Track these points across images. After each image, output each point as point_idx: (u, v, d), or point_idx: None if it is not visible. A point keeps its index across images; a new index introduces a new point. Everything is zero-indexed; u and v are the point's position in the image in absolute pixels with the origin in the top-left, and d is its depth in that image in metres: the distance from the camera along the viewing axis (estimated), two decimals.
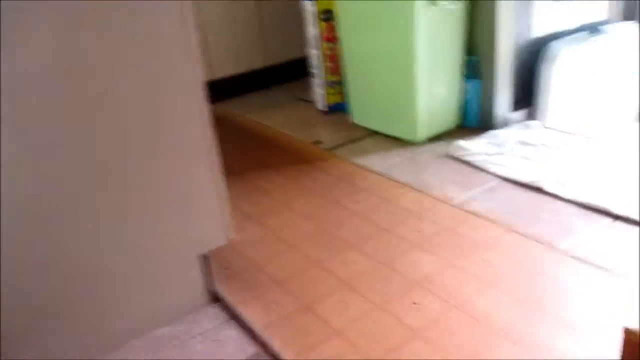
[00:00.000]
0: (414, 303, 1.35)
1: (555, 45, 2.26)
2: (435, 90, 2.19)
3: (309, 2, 2.51)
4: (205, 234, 1.44)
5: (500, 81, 2.21)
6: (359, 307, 1.37)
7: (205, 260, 1.47)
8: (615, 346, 0.87)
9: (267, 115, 2.76)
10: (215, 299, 1.49)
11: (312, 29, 2.56)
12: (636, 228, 1.54)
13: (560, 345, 1.17)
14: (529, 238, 1.55)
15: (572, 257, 1.45)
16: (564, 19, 2.39)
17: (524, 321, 1.25)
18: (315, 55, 2.61)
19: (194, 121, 1.34)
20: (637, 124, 2.52)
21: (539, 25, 2.31)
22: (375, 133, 2.39)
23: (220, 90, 2.99)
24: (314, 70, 2.67)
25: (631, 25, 2.51)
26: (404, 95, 2.19)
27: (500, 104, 2.25)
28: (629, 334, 0.82)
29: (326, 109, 2.67)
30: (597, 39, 2.37)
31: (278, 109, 2.84)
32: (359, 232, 1.68)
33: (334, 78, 2.62)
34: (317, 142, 2.39)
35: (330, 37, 2.54)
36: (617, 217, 1.59)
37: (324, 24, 2.51)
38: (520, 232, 1.58)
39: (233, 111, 2.89)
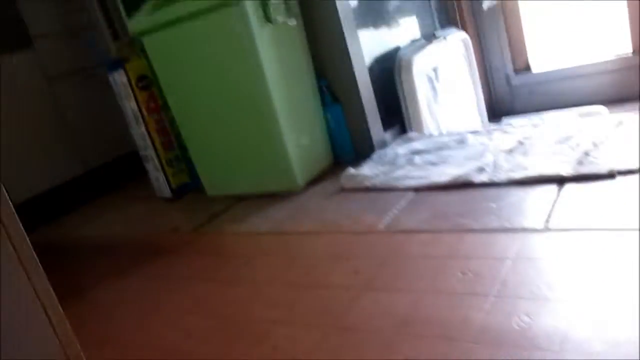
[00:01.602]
0: None
1: (405, 54, 2.09)
2: (300, 125, 1.83)
3: (116, 72, 2.05)
4: None
5: (366, 102, 1.94)
6: None
7: None
8: None
9: (103, 224, 2.15)
10: None
11: (129, 103, 2.08)
12: (590, 183, 1.28)
13: None
14: (495, 232, 1.19)
15: (561, 230, 1.12)
16: (398, 34, 2.26)
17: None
18: (140, 134, 2.12)
19: None
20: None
21: (380, 42, 2.14)
22: (241, 199, 1.92)
23: (33, 213, 2.30)
24: (144, 153, 2.16)
25: (457, 30, 2.49)
26: (268, 141, 1.78)
27: (372, 126, 1.96)
28: None
29: (173, 194, 2.15)
30: (437, 44, 2.27)
31: (114, 214, 2.24)
32: (283, 302, 1.18)
33: (172, 155, 2.14)
34: (175, 230, 1.85)
35: (154, 107, 2.08)
36: (562, 180, 1.33)
37: (142, 93, 2.06)
38: (480, 230, 1.22)
39: (59, 232, 2.22)
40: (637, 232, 1.03)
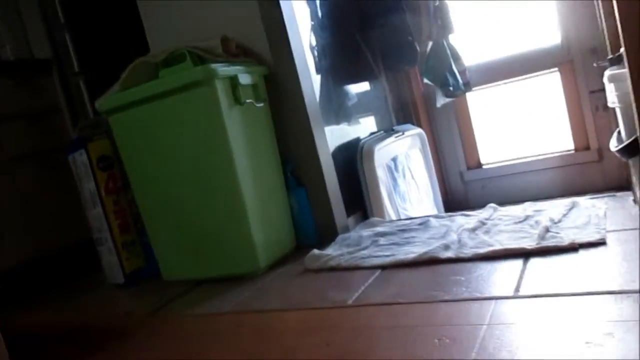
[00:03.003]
0: None
1: (366, 143, 2.17)
2: (265, 207, 1.82)
3: (77, 152, 2.02)
4: None
5: (330, 188, 1.97)
6: None
7: None
8: None
9: (51, 313, 1.99)
10: None
11: (88, 184, 2.03)
12: (554, 256, 1.31)
13: None
14: (467, 301, 1.18)
15: (532, 296, 1.12)
16: (358, 126, 2.36)
17: None
18: (96, 215, 2.05)
19: None
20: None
21: (342, 132, 2.22)
22: (200, 282, 1.85)
23: None
24: (98, 236, 2.08)
25: (413, 126, 2.62)
26: (232, 223, 1.75)
27: (336, 212, 1.98)
28: None
29: (126, 280, 2.04)
30: (395, 137, 2.38)
31: (60, 302, 2.09)
32: None
33: (127, 238, 2.07)
34: (128, 314, 1.74)
35: (113, 189, 2.04)
36: (527, 254, 1.36)
37: (102, 173, 2.02)
38: (451, 300, 1.21)
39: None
40: (605, 295, 1.05)
